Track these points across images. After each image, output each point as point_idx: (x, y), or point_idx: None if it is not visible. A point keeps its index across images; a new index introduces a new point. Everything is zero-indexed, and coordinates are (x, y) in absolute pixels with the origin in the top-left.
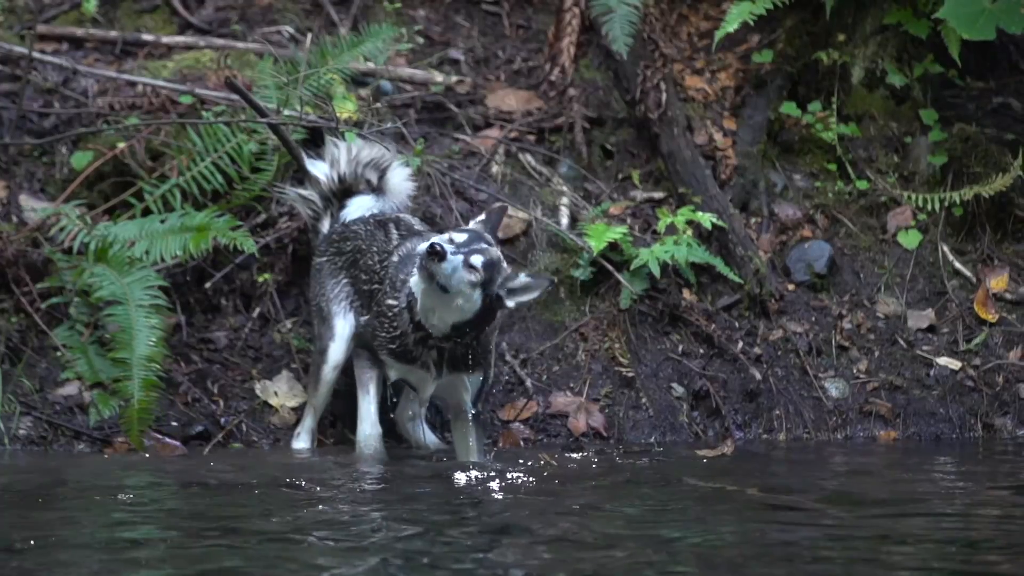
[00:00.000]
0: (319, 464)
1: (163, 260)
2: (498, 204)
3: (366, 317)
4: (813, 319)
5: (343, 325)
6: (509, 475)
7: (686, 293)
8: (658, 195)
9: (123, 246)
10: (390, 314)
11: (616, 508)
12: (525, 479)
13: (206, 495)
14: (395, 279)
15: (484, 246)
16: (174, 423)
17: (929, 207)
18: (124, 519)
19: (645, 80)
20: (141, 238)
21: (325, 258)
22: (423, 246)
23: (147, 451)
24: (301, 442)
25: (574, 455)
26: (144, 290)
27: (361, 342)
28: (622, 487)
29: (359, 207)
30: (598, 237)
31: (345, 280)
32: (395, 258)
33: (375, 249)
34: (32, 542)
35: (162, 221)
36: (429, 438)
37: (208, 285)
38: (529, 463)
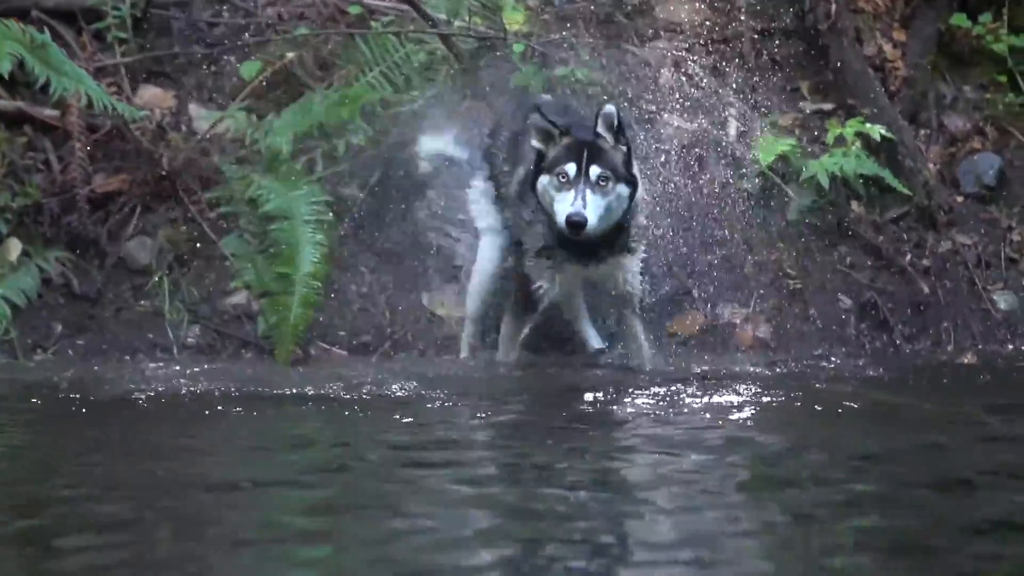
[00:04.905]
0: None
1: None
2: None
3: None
4: (982, 231)
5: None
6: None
7: (854, 205)
8: (827, 107)
9: (287, 138)
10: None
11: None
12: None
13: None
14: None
15: (608, 167)
16: (341, 332)
17: None
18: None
19: None
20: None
21: None
22: (561, 221)
23: (312, 361)
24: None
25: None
26: (310, 205)
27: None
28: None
29: None
30: (767, 150)
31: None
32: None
33: None
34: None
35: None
36: (594, 339)
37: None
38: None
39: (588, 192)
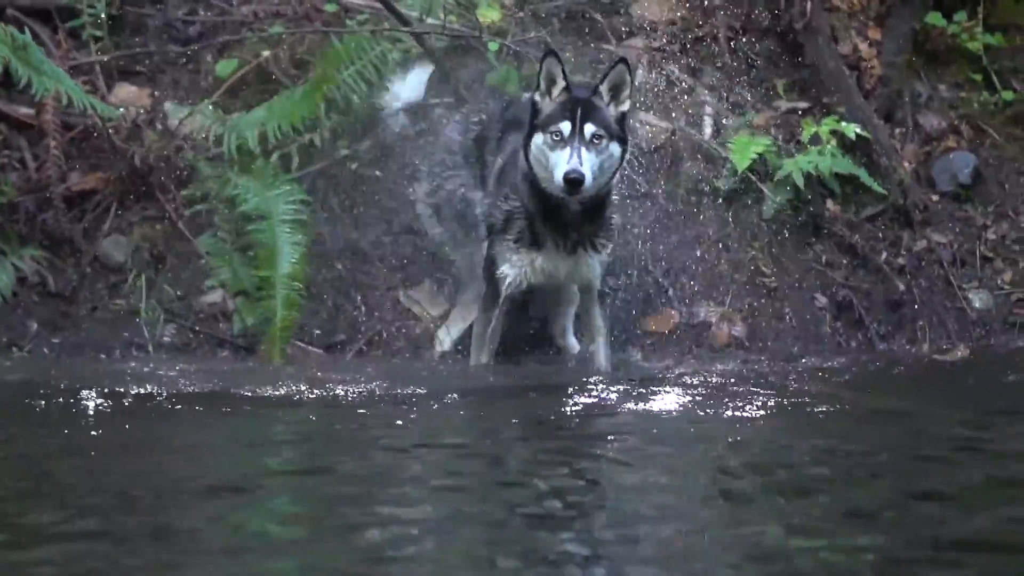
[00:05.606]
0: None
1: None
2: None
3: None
4: (957, 230)
5: None
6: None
7: (830, 203)
8: (802, 105)
9: (254, 135)
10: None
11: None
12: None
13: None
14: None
15: (602, 125)
16: (316, 331)
17: None
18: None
19: None
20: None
21: None
22: (559, 179)
23: (289, 359)
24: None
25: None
26: (287, 204)
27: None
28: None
29: None
30: (742, 152)
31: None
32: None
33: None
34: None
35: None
36: (573, 345)
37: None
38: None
39: (583, 150)
